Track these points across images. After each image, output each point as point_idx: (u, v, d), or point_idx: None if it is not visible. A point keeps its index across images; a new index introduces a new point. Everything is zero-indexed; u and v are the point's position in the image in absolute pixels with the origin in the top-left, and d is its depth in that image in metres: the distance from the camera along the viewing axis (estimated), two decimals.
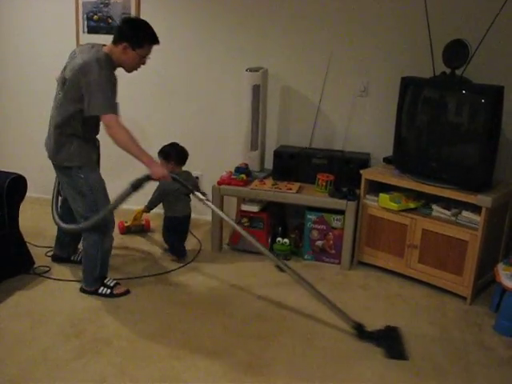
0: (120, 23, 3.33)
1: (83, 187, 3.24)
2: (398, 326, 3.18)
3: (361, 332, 3.05)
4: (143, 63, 3.25)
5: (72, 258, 3.82)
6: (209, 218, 4.26)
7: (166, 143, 4.06)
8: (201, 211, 4.45)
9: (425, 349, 2.99)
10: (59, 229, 3.67)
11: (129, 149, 3.08)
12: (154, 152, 4.60)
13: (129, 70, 3.26)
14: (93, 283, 3.42)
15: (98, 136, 3.41)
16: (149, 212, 4.19)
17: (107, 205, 3.29)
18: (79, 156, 3.22)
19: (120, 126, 3.06)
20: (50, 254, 3.87)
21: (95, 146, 3.44)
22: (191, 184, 3.46)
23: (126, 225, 4.44)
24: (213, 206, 3.36)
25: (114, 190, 3.32)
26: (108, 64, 3.10)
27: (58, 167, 3.31)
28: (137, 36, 3.14)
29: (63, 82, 3.14)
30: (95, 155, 3.41)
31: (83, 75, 3.02)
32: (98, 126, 3.31)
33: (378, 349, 2.94)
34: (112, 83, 3.10)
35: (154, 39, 3.20)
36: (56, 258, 3.82)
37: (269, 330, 3.11)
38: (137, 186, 3.17)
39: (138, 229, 4.48)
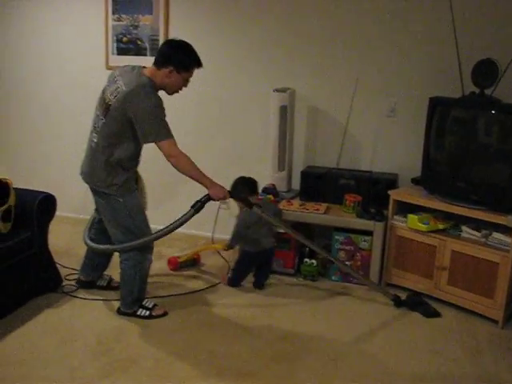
0: (164, 46, 3.25)
1: (122, 211, 3.19)
2: (429, 348, 3.14)
3: (398, 302, 3.63)
4: (185, 86, 3.24)
5: (98, 284, 3.71)
6: None
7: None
8: (222, 230, 4.48)
9: (456, 372, 2.93)
10: (87, 253, 3.64)
11: (190, 174, 3.11)
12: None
13: (170, 93, 3.23)
14: (131, 305, 3.37)
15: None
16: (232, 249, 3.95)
17: (145, 228, 3.27)
18: (121, 186, 3.16)
19: (179, 151, 3.06)
20: (70, 277, 3.79)
21: (135, 172, 3.35)
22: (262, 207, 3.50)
23: (179, 260, 4.14)
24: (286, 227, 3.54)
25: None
26: (153, 89, 3.07)
27: (94, 190, 3.26)
28: (183, 60, 3.12)
29: (106, 108, 3.08)
30: (134, 180, 3.31)
31: (130, 103, 2.98)
32: (139, 156, 3.27)
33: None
34: (162, 108, 3.05)
35: (199, 62, 3.19)
36: (80, 283, 3.71)
37: (295, 352, 3.07)
38: (199, 208, 3.18)
39: (190, 263, 4.20)
